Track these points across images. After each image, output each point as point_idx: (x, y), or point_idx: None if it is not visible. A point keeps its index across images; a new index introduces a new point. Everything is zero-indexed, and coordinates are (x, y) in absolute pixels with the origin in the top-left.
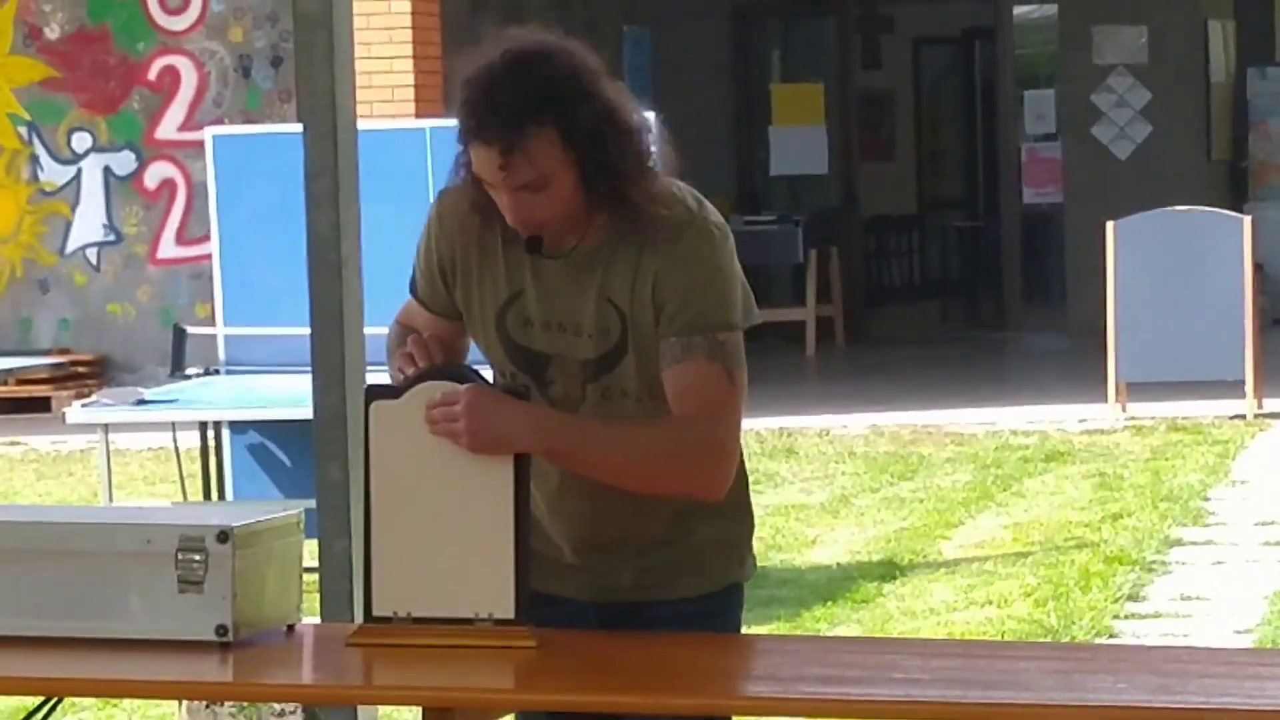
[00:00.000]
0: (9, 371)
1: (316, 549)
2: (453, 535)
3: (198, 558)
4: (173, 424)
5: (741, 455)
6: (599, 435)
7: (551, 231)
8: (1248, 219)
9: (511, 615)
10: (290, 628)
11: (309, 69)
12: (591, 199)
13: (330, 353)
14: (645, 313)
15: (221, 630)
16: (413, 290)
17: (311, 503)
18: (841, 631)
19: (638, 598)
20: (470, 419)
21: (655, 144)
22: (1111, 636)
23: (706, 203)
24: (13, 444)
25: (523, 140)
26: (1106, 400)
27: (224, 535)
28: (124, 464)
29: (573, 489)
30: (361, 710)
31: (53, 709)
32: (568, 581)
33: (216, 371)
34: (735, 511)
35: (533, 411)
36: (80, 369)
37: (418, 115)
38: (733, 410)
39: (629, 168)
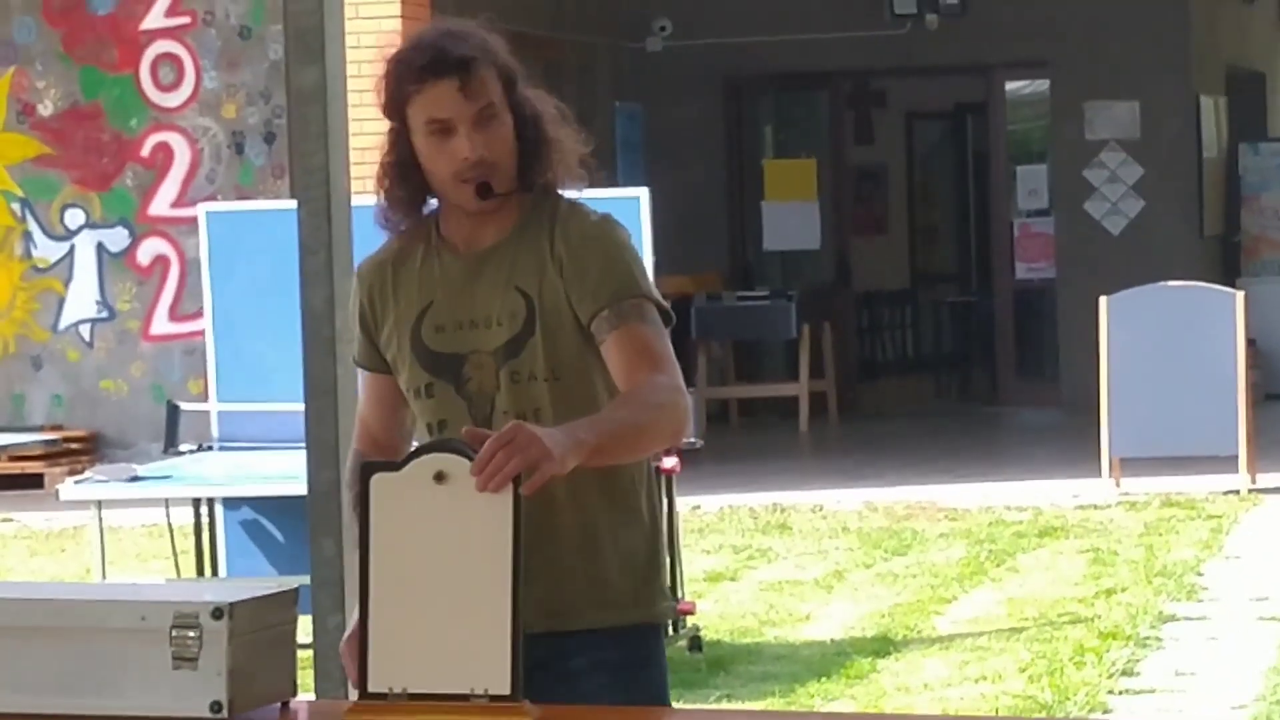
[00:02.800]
0: (2, 448)
1: (311, 625)
2: (449, 610)
3: (192, 634)
4: (166, 500)
5: (657, 497)
6: (611, 421)
7: (500, 178)
8: (1240, 294)
9: (507, 691)
10: (284, 705)
11: (303, 145)
12: (521, 157)
13: (324, 428)
14: (555, 294)
15: (216, 707)
16: (356, 361)
17: (306, 579)
18: (836, 707)
19: (550, 628)
20: (539, 445)
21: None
22: (1106, 712)
23: None
24: (6, 521)
25: (476, 68)
26: (1100, 475)
27: (219, 611)
28: (117, 541)
29: None
30: None
31: None
32: None
33: (210, 448)
34: (643, 538)
35: (560, 428)
36: (73, 445)
37: None
38: (674, 360)
39: (548, 136)
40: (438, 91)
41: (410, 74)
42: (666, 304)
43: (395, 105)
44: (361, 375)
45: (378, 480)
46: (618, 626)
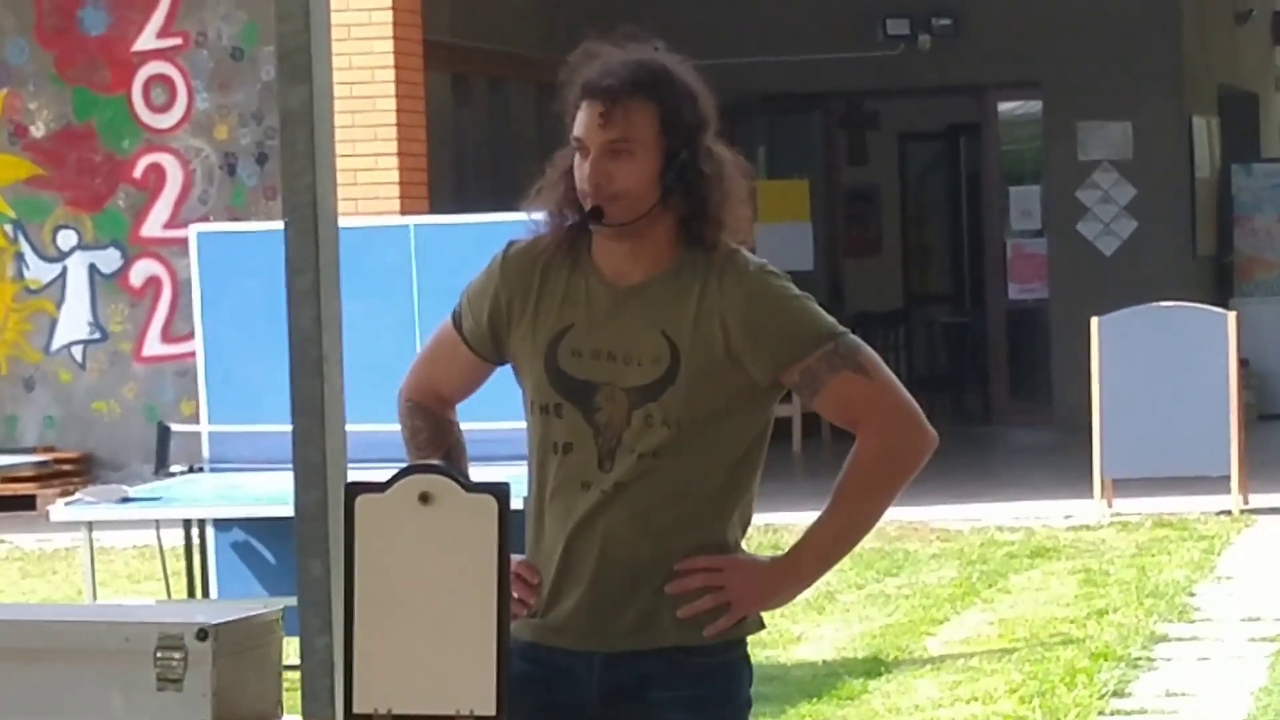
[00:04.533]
0: None
1: (298, 646)
2: (434, 630)
3: (177, 656)
4: (157, 522)
5: (748, 518)
6: (836, 530)
7: (616, 209)
8: (1232, 314)
9: (492, 711)
10: None
11: (291, 165)
12: (664, 203)
13: (310, 449)
14: (709, 348)
15: None
16: (456, 323)
17: (295, 600)
18: None
19: (636, 646)
20: (739, 594)
21: (747, 216)
22: None
23: None
24: None
25: (627, 100)
26: (1092, 496)
27: (203, 633)
28: (108, 562)
29: (587, 531)
30: None
31: None
32: (569, 630)
33: (201, 469)
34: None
35: (782, 564)
36: (65, 467)
37: (402, 212)
38: (881, 386)
39: (708, 189)
40: (585, 113)
41: (573, 90)
42: (842, 328)
43: (570, 116)
44: (451, 342)
45: (362, 501)
46: (697, 646)
